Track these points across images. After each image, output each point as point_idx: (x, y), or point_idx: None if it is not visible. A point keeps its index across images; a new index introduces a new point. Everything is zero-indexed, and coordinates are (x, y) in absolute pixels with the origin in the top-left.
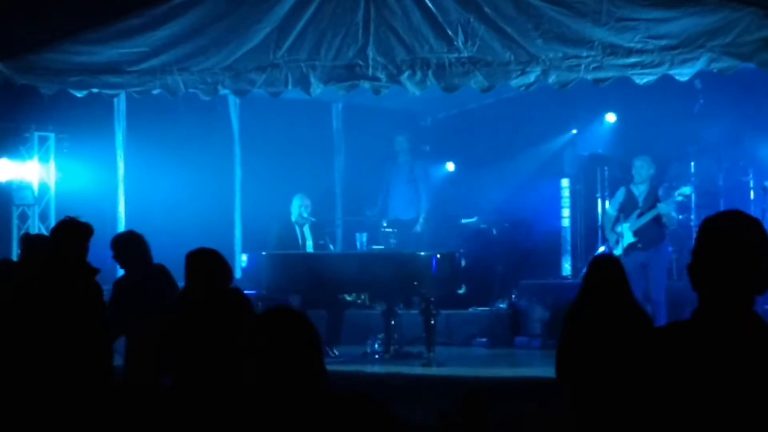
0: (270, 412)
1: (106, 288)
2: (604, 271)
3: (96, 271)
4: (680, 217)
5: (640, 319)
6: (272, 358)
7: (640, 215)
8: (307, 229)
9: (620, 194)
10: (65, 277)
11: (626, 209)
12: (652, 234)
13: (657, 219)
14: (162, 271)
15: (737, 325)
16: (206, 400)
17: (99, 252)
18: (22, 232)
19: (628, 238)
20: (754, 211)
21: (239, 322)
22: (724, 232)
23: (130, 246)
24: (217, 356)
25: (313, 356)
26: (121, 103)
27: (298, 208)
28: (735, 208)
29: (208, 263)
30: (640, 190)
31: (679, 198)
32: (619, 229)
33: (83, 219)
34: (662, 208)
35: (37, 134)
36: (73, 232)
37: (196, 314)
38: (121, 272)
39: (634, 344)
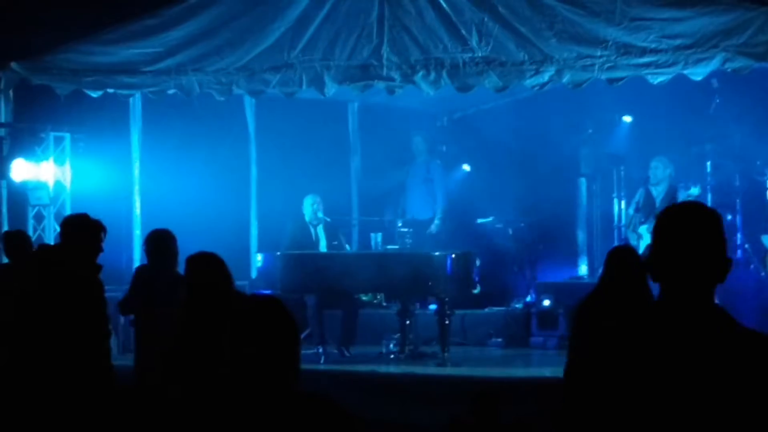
0: (231, 406)
1: (114, 288)
2: (623, 261)
3: (99, 267)
4: None
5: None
6: (238, 351)
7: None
8: (320, 230)
9: (639, 195)
10: (68, 274)
11: (645, 210)
12: None
13: None
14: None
15: (698, 317)
16: (211, 407)
17: (114, 251)
18: (38, 233)
19: (648, 239)
20: None
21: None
22: (681, 224)
23: (163, 243)
24: (217, 361)
25: (281, 351)
26: (136, 103)
27: (311, 207)
28: (693, 201)
29: (207, 267)
30: (658, 191)
31: (689, 198)
32: (640, 230)
33: (99, 218)
34: None
35: (52, 134)
36: (81, 228)
37: (198, 319)
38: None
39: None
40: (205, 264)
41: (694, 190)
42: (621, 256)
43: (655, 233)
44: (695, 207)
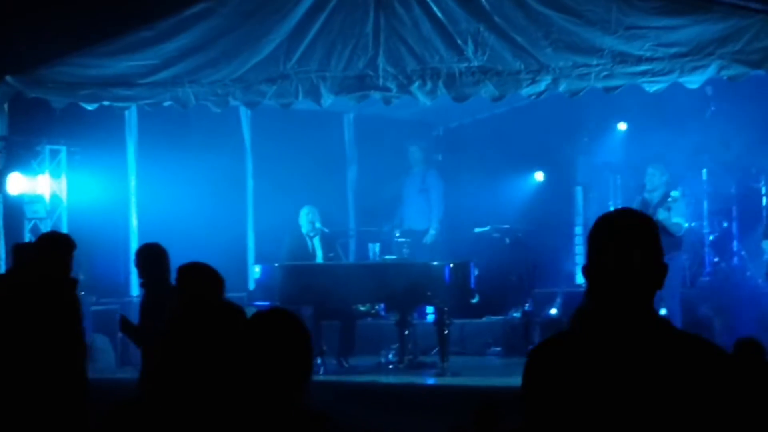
0: (237, 417)
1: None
2: None
3: (75, 282)
4: (693, 224)
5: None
6: (248, 363)
7: None
8: (317, 241)
9: (636, 203)
10: (44, 290)
11: None
12: (664, 242)
13: (663, 228)
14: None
15: (637, 324)
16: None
17: (111, 263)
18: None
19: None
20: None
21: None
22: (612, 231)
23: (155, 259)
24: (210, 371)
25: (295, 363)
26: (132, 116)
27: (307, 219)
28: (625, 207)
29: (198, 277)
30: (653, 198)
31: (671, 202)
32: None
33: (96, 232)
34: (660, 213)
35: (48, 148)
36: (55, 245)
37: (188, 330)
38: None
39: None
40: (196, 274)
41: (675, 193)
42: None
43: (590, 240)
44: (626, 213)
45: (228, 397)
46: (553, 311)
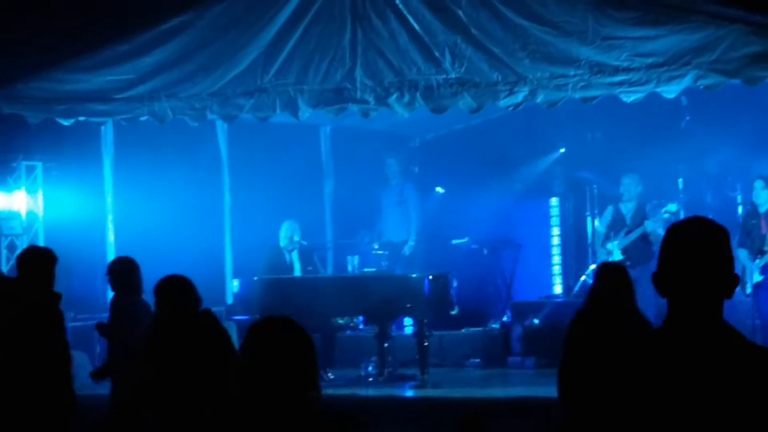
0: (253, 425)
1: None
2: (613, 277)
3: (58, 296)
4: None
5: (643, 328)
6: (260, 369)
7: (627, 233)
8: (295, 255)
9: (608, 212)
10: (29, 304)
11: (615, 227)
12: (640, 252)
13: (644, 237)
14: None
15: (706, 332)
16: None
17: (88, 279)
18: (11, 263)
19: (617, 256)
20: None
21: (211, 345)
22: (690, 240)
23: (125, 272)
24: (191, 381)
25: (304, 370)
26: (108, 131)
27: (288, 233)
28: (700, 216)
29: (175, 290)
30: (627, 208)
31: (666, 215)
32: (609, 246)
33: (73, 247)
34: (649, 225)
35: (24, 163)
36: (36, 259)
37: (168, 342)
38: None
39: (618, 355)
40: (174, 287)
41: (672, 207)
42: (610, 272)
43: (663, 249)
44: (703, 222)
45: (226, 403)
46: (535, 321)
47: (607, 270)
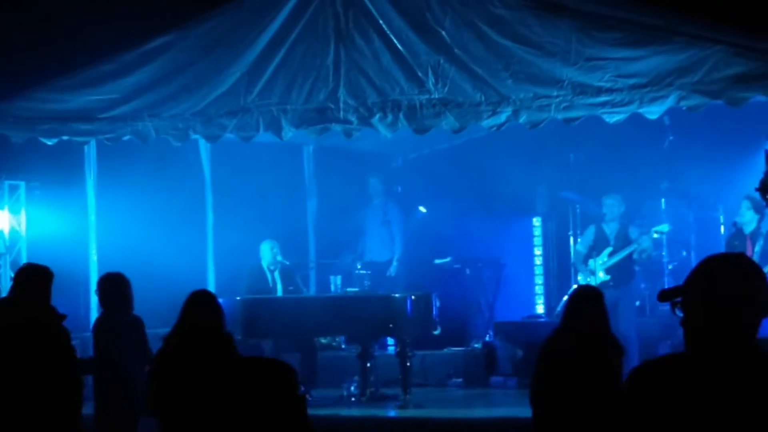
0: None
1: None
2: (587, 302)
3: (63, 317)
4: (653, 253)
5: (616, 352)
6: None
7: (612, 253)
8: (277, 275)
9: (590, 232)
10: (31, 324)
11: (597, 247)
12: (624, 272)
13: (629, 256)
14: (139, 323)
15: (738, 358)
16: None
17: (70, 298)
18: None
19: (600, 276)
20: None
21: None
22: (724, 277)
23: (117, 287)
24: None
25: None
26: (91, 150)
27: (270, 252)
28: (739, 252)
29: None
30: (611, 228)
31: (656, 235)
32: (592, 265)
33: (55, 266)
34: (645, 241)
35: (7, 183)
36: (33, 276)
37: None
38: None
39: (622, 378)
40: (205, 304)
41: (663, 227)
42: (584, 297)
43: (699, 280)
44: (738, 259)
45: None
46: (518, 351)
47: (583, 294)
